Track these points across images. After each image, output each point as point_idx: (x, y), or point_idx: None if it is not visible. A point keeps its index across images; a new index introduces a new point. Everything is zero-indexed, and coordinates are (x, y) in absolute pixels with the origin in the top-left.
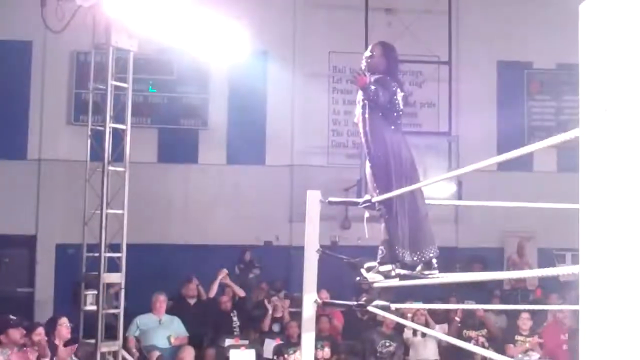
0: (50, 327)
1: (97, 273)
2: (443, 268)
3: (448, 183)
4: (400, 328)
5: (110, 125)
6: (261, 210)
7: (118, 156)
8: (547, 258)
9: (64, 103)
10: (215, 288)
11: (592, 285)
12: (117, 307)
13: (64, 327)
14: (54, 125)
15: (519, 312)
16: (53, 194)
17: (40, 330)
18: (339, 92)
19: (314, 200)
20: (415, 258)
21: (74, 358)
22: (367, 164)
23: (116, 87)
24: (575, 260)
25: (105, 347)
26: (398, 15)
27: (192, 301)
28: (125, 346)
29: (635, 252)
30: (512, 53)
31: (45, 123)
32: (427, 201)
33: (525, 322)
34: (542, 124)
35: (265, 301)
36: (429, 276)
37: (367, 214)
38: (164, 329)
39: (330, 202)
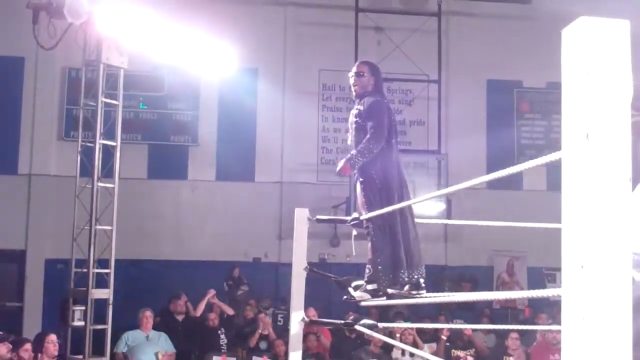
0: (38, 344)
1: (85, 289)
2: (432, 286)
3: (437, 201)
4: (389, 347)
5: (100, 141)
6: (250, 226)
7: (108, 172)
8: (537, 277)
9: (55, 119)
10: (202, 307)
11: (574, 307)
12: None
13: (52, 344)
14: (44, 140)
15: (508, 331)
16: (43, 209)
17: (28, 346)
18: (328, 110)
19: (301, 218)
20: (404, 278)
21: None
22: (358, 183)
23: (107, 104)
24: None
25: None
26: (388, 33)
27: (180, 317)
28: None
29: (614, 273)
30: (502, 72)
31: (36, 138)
32: (416, 220)
33: (514, 342)
34: (532, 142)
35: (259, 317)
36: (417, 296)
37: (355, 232)
38: (151, 345)
39: (318, 220)
